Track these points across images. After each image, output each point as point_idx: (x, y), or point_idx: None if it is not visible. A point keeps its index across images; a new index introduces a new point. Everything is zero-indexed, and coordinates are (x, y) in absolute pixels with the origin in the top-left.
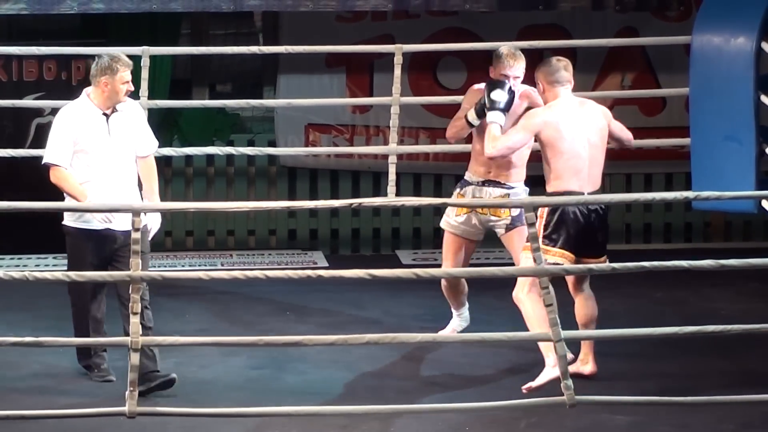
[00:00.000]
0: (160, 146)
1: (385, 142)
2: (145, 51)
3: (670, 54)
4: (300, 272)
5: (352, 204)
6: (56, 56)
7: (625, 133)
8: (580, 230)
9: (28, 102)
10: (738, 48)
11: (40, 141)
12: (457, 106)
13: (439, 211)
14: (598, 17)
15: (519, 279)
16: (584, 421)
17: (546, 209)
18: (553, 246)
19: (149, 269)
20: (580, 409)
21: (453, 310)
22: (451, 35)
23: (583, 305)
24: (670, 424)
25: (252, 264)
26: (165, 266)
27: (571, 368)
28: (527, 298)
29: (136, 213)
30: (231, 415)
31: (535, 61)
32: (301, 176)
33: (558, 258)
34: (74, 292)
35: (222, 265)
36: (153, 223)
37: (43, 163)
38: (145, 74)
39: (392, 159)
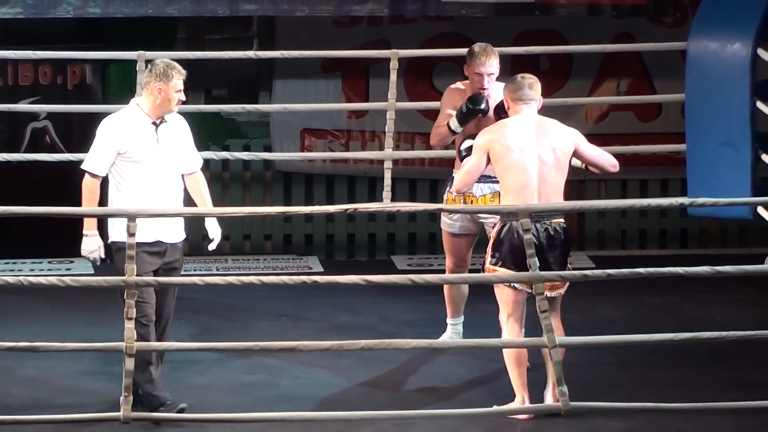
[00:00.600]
0: None
1: (381, 148)
2: (141, 56)
3: (666, 60)
4: (295, 277)
5: (347, 209)
6: (52, 60)
7: (602, 160)
8: (519, 252)
9: (23, 106)
10: (734, 54)
11: (35, 145)
12: None
13: (435, 216)
14: (595, 23)
15: (499, 302)
16: (579, 427)
17: (497, 226)
18: (497, 265)
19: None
20: (575, 414)
21: (448, 319)
22: (447, 40)
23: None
24: (665, 430)
25: (247, 269)
26: None
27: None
28: (507, 330)
29: (131, 218)
30: (226, 421)
31: (531, 66)
32: (297, 181)
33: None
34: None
35: (217, 270)
36: (215, 232)
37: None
38: (141, 79)
39: (388, 164)
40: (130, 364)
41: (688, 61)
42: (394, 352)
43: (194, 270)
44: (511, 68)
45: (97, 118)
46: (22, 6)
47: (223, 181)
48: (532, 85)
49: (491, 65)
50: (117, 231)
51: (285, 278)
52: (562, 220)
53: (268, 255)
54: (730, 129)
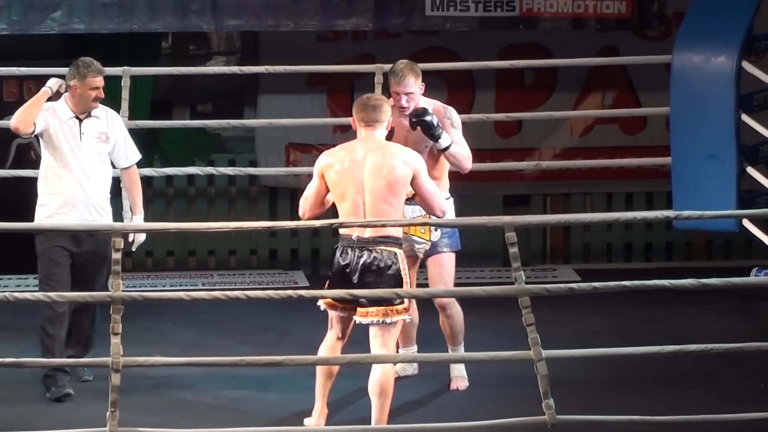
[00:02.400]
0: (140, 167)
1: None
2: (126, 71)
3: (650, 73)
4: (281, 292)
5: (333, 224)
6: (37, 76)
7: (431, 202)
8: (338, 277)
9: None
10: (719, 67)
11: (20, 162)
12: None
13: None
14: (579, 36)
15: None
16: None
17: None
18: (328, 284)
19: (128, 289)
20: (562, 428)
21: (399, 349)
22: (431, 55)
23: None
24: None
25: (233, 284)
26: (146, 286)
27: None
28: (324, 344)
29: (116, 234)
30: None
31: (516, 80)
32: (282, 196)
33: (324, 304)
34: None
35: (203, 285)
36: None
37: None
38: (125, 94)
39: None
40: (116, 379)
41: (672, 74)
42: None
43: (180, 285)
44: (496, 82)
45: None
46: (7, 22)
47: (209, 197)
48: (377, 107)
49: (408, 85)
50: (39, 213)
51: (271, 293)
52: (389, 248)
53: (253, 270)
54: (715, 142)
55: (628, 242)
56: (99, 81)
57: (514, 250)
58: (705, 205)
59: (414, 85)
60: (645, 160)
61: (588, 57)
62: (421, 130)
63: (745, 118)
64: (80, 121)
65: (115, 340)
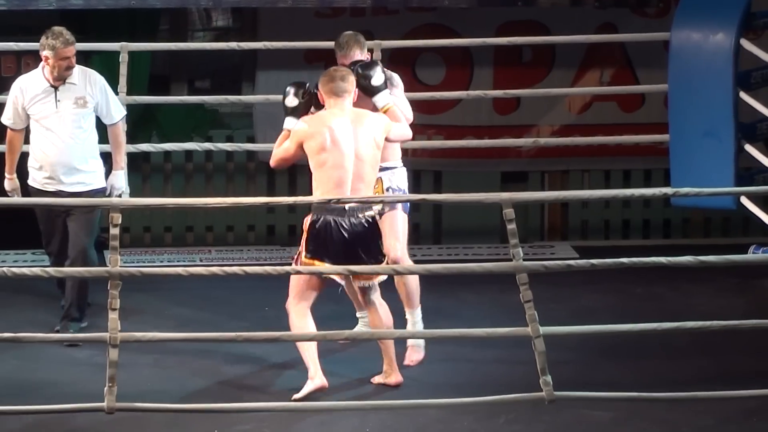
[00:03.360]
0: (138, 143)
1: None
2: (124, 47)
3: (649, 50)
4: (279, 268)
5: (330, 200)
6: (34, 51)
7: (399, 133)
8: (340, 242)
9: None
10: (717, 44)
11: None
12: (435, 103)
13: (418, 207)
14: (577, 13)
15: (291, 286)
16: (563, 417)
17: (309, 219)
18: (310, 257)
19: (126, 265)
20: (560, 404)
21: (357, 313)
22: (429, 31)
23: (375, 316)
24: (650, 419)
25: (231, 260)
26: (143, 262)
27: (376, 380)
28: (293, 309)
29: (114, 209)
30: (209, 411)
31: (515, 57)
32: (280, 172)
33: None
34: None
35: (201, 260)
36: (117, 184)
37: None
38: (123, 70)
39: None
40: (114, 354)
41: (671, 51)
42: (377, 342)
43: (177, 261)
44: (494, 59)
45: None
46: None
47: (207, 172)
48: (344, 77)
49: (353, 56)
50: (31, 177)
51: (269, 268)
52: (372, 212)
53: (251, 245)
54: (713, 119)
55: (626, 219)
56: (69, 51)
57: (511, 226)
58: (703, 182)
59: (360, 55)
60: (643, 138)
61: (586, 34)
62: (362, 80)
63: (743, 95)
64: (56, 89)
65: (113, 316)
